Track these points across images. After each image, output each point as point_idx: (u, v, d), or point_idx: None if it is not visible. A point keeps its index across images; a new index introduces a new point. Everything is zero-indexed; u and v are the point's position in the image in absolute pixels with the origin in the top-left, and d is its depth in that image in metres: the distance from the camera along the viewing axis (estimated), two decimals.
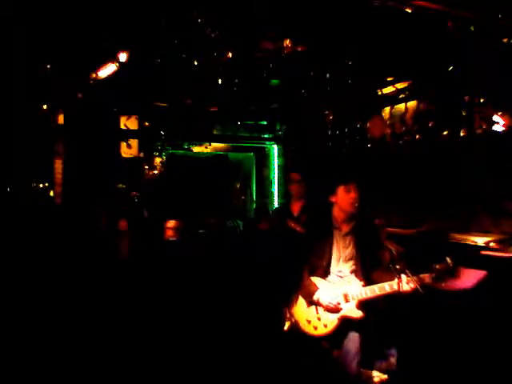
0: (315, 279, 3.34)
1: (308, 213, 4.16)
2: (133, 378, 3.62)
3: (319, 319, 3.26)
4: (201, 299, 4.69)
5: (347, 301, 3.22)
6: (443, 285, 3.08)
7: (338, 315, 3.22)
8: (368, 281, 3.25)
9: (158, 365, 3.83)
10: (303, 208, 4.45)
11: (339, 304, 3.21)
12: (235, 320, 4.46)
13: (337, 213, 3.39)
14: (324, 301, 3.23)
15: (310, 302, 3.30)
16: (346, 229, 3.39)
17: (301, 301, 3.37)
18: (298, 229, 4.12)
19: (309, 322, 3.29)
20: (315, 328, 3.26)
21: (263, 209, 7.13)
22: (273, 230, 4.71)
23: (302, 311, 3.34)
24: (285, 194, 7.51)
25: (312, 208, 4.26)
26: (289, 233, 4.25)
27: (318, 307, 3.28)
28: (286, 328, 3.44)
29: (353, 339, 3.19)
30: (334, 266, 3.36)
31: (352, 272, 3.34)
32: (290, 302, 3.46)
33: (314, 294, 3.27)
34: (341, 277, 3.33)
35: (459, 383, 3.32)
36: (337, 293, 3.25)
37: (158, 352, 3.95)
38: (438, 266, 3.06)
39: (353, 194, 3.30)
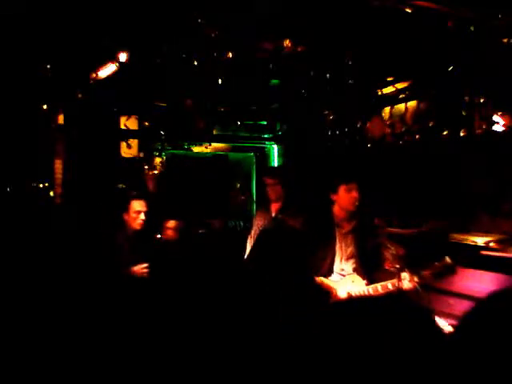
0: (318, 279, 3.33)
1: (308, 212, 4.15)
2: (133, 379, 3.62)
3: None
4: (201, 299, 4.68)
5: None
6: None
7: None
8: (370, 279, 3.26)
9: (159, 366, 3.82)
10: (281, 209, 4.48)
11: None
12: (237, 320, 4.45)
13: (337, 211, 3.40)
14: None
15: None
16: (347, 227, 3.39)
17: None
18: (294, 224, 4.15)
19: None
20: None
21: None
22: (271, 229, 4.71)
23: None
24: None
25: (312, 207, 4.26)
26: (289, 231, 4.25)
27: None
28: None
29: None
30: (337, 265, 3.36)
31: (354, 270, 3.34)
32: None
33: None
34: (343, 275, 3.33)
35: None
36: (340, 292, 3.24)
37: (158, 354, 3.95)
38: (436, 264, 3.07)
39: (354, 194, 3.30)
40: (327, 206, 3.45)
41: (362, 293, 3.20)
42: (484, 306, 1.02)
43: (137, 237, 4.29)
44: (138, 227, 4.08)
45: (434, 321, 1.03)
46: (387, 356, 0.94)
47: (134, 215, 4.05)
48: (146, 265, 4.02)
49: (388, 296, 2.74)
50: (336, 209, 3.41)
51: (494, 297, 1.02)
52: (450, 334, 1.01)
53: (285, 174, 4.77)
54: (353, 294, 3.21)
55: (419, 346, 0.96)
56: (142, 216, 4.06)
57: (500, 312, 0.98)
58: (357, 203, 3.29)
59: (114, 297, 4.21)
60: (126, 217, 4.09)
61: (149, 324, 4.19)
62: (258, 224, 4.67)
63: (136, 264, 4.08)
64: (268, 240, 4.61)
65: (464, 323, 1.01)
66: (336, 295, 3.22)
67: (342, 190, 3.35)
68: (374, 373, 0.94)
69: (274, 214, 4.52)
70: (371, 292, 3.18)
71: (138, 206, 4.08)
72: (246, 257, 4.63)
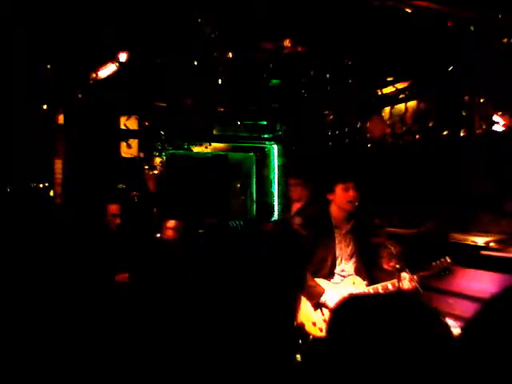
0: (319, 281, 3.31)
1: (304, 213, 4.14)
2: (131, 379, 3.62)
3: (325, 321, 3.24)
4: (200, 299, 4.69)
5: None
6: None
7: None
8: (370, 280, 3.25)
9: (158, 366, 3.82)
10: (297, 211, 4.50)
11: None
12: (235, 320, 4.45)
13: (335, 211, 3.38)
14: (331, 303, 3.20)
15: (316, 305, 3.26)
16: (345, 228, 3.37)
17: (304, 303, 3.32)
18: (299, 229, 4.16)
19: (314, 324, 3.26)
20: (321, 330, 3.23)
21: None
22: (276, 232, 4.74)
23: (307, 313, 3.31)
24: (284, 195, 7.51)
25: (309, 208, 4.25)
26: (292, 233, 4.27)
27: (324, 309, 3.25)
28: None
29: None
30: (337, 266, 3.34)
31: (354, 271, 3.33)
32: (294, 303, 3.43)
33: (320, 295, 3.23)
34: (343, 276, 3.31)
35: None
36: (342, 294, 3.23)
37: (156, 354, 3.95)
38: (434, 264, 3.09)
39: (351, 193, 3.28)
40: (325, 206, 3.43)
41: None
42: (489, 307, 1.02)
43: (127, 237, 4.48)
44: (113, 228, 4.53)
45: (442, 320, 1.02)
46: (394, 356, 0.93)
47: (110, 218, 4.52)
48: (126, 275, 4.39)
49: (394, 295, 2.75)
50: (333, 209, 3.38)
51: (498, 298, 1.02)
52: (458, 336, 1.01)
53: (309, 174, 4.75)
54: None
55: (427, 346, 0.96)
56: (118, 220, 4.52)
57: (504, 313, 0.98)
58: (355, 203, 3.28)
59: (114, 294, 4.21)
60: (105, 219, 4.54)
61: (147, 323, 4.19)
62: None
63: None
64: (269, 241, 4.62)
65: (470, 325, 1.00)
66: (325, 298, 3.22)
67: (339, 189, 3.32)
68: (381, 373, 0.94)
69: (291, 215, 4.53)
70: (372, 293, 3.17)
71: (113, 209, 4.54)
72: (249, 257, 4.65)
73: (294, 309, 3.52)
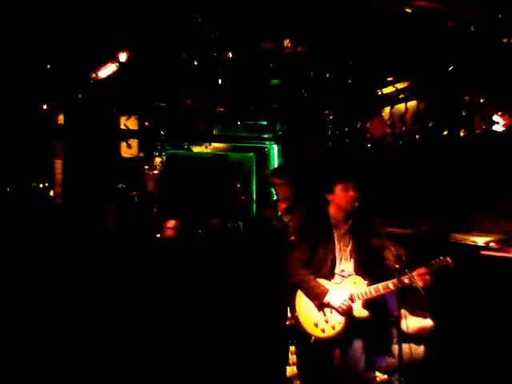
0: (321, 281, 3.31)
1: (303, 213, 4.14)
2: (131, 378, 3.62)
3: (327, 322, 3.23)
4: (200, 299, 4.69)
5: (353, 301, 3.21)
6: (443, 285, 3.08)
7: (344, 316, 3.21)
8: (371, 279, 3.25)
9: (158, 365, 3.83)
10: (286, 209, 4.53)
11: (349, 305, 3.20)
12: (234, 319, 4.46)
13: (334, 211, 3.38)
14: (335, 303, 3.20)
15: (320, 305, 3.25)
16: (344, 227, 3.37)
17: (306, 304, 3.31)
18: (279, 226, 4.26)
19: (316, 325, 3.24)
20: (323, 331, 3.22)
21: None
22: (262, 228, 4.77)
23: (308, 315, 3.29)
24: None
25: (308, 209, 4.25)
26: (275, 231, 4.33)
27: (326, 310, 3.25)
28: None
29: (359, 339, 3.20)
30: (337, 266, 3.34)
31: (354, 271, 3.33)
32: (291, 304, 3.43)
33: (324, 295, 3.22)
34: (344, 276, 3.31)
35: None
36: (343, 294, 3.23)
37: (156, 353, 3.95)
38: (434, 261, 3.09)
39: (351, 193, 3.29)
40: (323, 206, 3.44)
41: (364, 294, 3.19)
42: None
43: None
44: None
45: None
46: None
47: None
48: None
49: None
50: (332, 209, 3.39)
51: None
52: None
53: (293, 174, 4.79)
54: (355, 296, 3.20)
55: None
56: None
57: None
58: (355, 203, 3.28)
59: (114, 294, 4.22)
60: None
61: (146, 323, 4.20)
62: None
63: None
64: (252, 241, 4.66)
65: None
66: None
67: (338, 189, 3.33)
68: None
69: (280, 214, 4.57)
70: (373, 292, 3.17)
71: None
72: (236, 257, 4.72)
73: (286, 307, 3.53)
